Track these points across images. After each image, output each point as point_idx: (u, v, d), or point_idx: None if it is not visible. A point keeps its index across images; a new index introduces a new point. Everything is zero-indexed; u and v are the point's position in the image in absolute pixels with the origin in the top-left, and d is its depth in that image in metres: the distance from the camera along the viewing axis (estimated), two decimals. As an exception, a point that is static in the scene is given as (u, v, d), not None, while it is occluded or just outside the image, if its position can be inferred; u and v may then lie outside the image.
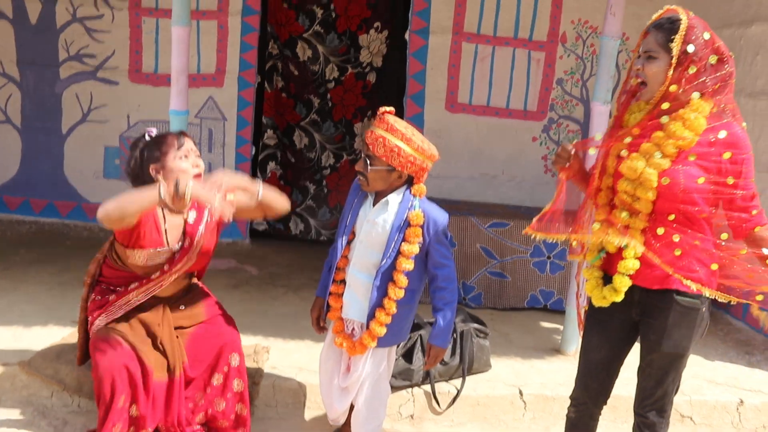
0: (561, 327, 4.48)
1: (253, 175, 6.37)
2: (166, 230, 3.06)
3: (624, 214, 2.45)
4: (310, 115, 6.39)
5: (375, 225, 2.78)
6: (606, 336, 2.61)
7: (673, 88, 2.33)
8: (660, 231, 2.39)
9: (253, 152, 6.30)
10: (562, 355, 4.31)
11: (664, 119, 2.37)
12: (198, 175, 2.97)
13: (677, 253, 2.38)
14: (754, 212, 2.39)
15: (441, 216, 2.83)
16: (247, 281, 5.31)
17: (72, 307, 4.34)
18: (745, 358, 4.48)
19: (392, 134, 2.68)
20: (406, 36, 6.08)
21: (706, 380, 4.10)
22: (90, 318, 3.19)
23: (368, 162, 2.71)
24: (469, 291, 5.11)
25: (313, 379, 3.69)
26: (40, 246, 5.67)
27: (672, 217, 2.39)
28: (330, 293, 2.90)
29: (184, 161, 2.98)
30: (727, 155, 2.34)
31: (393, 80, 6.35)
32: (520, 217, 5.20)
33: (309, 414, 3.62)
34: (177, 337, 3.17)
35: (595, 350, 2.65)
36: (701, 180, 2.33)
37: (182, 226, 3.11)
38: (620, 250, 2.45)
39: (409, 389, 3.71)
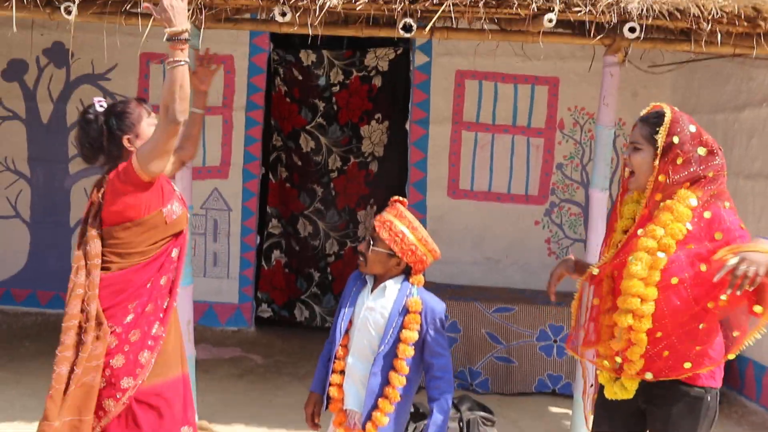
0: (570, 412, 4.40)
1: (258, 263, 6.42)
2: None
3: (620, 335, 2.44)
4: (314, 203, 6.49)
5: (373, 311, 2.80)
6: (615, 425, 2.59)
7: (661, 178, 2.40)
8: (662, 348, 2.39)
9: (258, 241, 6.37)
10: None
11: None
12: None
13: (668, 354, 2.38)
14: None
15: (438, 305, 2.85)
16: (252, 370, 5.27)
17: (75, 401, 4.33)
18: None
19: (399, 220, 2.75)
20: (407, 126, 6.25)
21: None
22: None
23: (371, 243, 2.77)
24: (476, 377, 5.05)
25: (318, 472, 3.63)
26: (45, 338, 5.65)
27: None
28: (330, 384, 2.88)
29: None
30: (718, 235, 2.37)
31: (395, 168, 6.47)
32: (525, 301, 5.20)
33: None
34: None
35: None
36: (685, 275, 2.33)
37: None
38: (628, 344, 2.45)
39: (416, 482, 3.63)
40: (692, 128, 2.42)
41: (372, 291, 2.82)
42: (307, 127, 6.42)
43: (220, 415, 4.32)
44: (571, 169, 6.27)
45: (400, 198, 2.82)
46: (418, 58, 6.18)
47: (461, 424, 3.77)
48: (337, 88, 6.34)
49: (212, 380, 4.93)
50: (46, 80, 6.23)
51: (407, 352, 2.75)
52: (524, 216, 6.28)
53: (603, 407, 2.62)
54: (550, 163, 6.27)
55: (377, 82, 6.34)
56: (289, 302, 6.48)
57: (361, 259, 2.78)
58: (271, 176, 6.44)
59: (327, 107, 6.38)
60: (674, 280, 2.35)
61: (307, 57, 6.26)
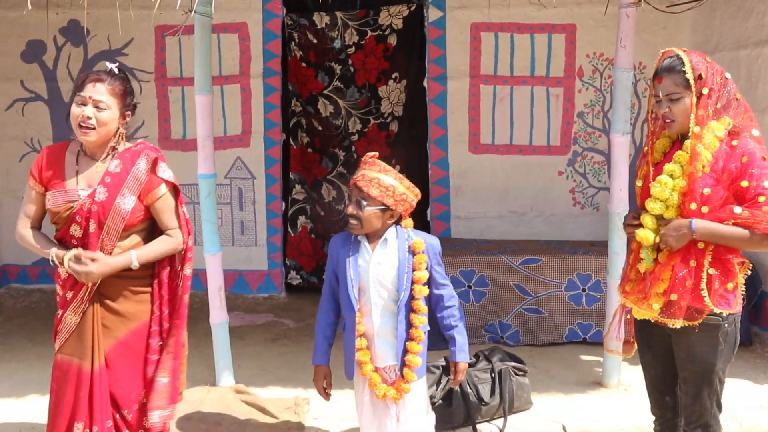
0: (601, 359, 4.43)
1: (285, 229, 6.47)
2: (77, 171, 2.74)
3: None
4: (337, 168, 6.51)
5: (381, 265, 2.85)
6: (654, 352, 2.80)
7: (701, 113, 2.53)
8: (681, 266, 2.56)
9: (283, 208, 6.42)
10: (604, 387, 4.26)
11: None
12: (87, 127, 2.64)
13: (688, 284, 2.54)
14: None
15: (434, 240, 2.97)
16: (285, 334, 5.36)
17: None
18: (793, 379, 4.38)
19: (385, 174, 2.81)
20: (425, 83, 6.21)
21: (757, 406, 4.01)
22: None
23: (361, 204, 2.78)
24: (506, 329, 5.09)
25: (355, 428, 3.71)
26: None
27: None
28: (357, 350, 2.91)
29: (77, 107, 2.67)
30: (744, 159, 2.52)
31: (415, 127, 6.45)
32: (552, 252, 5.19)
33: (352, 463, 3.63)
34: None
35: (651, 367, 2.85)
36: (707, 191, 2.51)
37: (101, 175, 2.73)
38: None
39: (451, 431, 3.69)
40: (706, 60, 2.59)
41: (372, 248, 2.84)
42: (325, 92, 6.40)
43: (255, 379, 4.42)
44: (592, 117, 6.20)
45: (373, 153, 2.89)
46: (432, 14, 6.11)
47: (493, 374, 3.81)
48: (353, 49, 6.30)
49: (246, 346, 5.03)
50: (64, 59, 6.28)
51: (423, 291, 2.86)
52: (547, 167, 6.24)
53: (641, 337, 2.82)
54: (571, 112, 6.21)
55: (392, 40, 6.29)
56: (318, 267, 6.54)
57: (354, 222, 2.81)
58: (292, 142, 6.46)
59: (343, 70, 6.35)
60: (693, 206, 2.52)
61: (321, 19, 6.23)
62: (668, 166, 2.58)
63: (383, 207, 2.80)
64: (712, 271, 2.54)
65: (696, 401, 2.64)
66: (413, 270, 2.85)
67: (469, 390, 3.71)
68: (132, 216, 2.73)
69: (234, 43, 6.20)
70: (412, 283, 2.84)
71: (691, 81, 2.53)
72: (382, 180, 2.79)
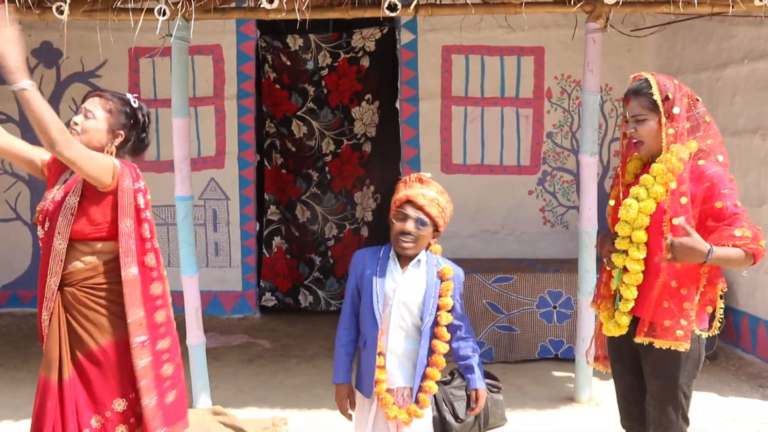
0: (573, 375, 4.52)
1: (260, 250, 6.50)
2: (65, 180, 2.80)
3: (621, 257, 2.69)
4: (311, 188, 6.57)
5: (408, 287, 2.83)
6: (624, 364, 2.85)
7: (671, 131, 2.59)
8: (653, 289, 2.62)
9: (258, 228, 6.45)
10: (576, 403, 4.34)
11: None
12: (73, 132, 2.69)
13: (665, 305, 2.59)
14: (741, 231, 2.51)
15: (460, 270, 2.96)
16: (261, 355, 5.38)
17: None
18: (759, 391, 4.51)
19: (442, 196, 2.82)
20: (397, 104, 6.31)
21: (723, 418, 4.12)
22: None
23: (421, 222, 2.77)
24: (480, 347, 5.14)
25: (333, 446, 3.76)
26: (55, 337, 5.75)
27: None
28: (377, 368, 2.85)
29: (76, 115, 2.79)
30: (714, 180, 2.56)
31: (388, 148, 6.54)
32: (523, 270, 5.30)
33: (331, 482, 3.66)
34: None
35: (620, 377, 2.90)
36: (684, 200, 2.55)
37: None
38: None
39: (428, 449, 3.74)
40: (674, 82, 2.65)
41: (403, 269, 2.84)
42: (299, 113, 6.47)
43: (232, 400, 4.42)
44: (561, 137, 6.35)
45: (428, 174, 2.86)
46: (404, 36, 6.23)
47: (468, 392, 3.87)
48: (326, 71, 6.39)
49: (222, 367, 5.04)
50: (36, 81, 6.15)
51: (448, 318, 2.84)
52: (518, 186, 6.37)
53: (612, 349, 2.89)
54: (540, 132, 6.35)
55: (365, 62, 6.40)
56: (293, 288, 6.57)
57: (410, 241, 2.76)
58: (266, 163, 6.51)
59: (317, 91, 6.44)
60: (675, 221, 2.53)
61: (294, 42, 6.31)
62: (634, 189, 2.65)
63: (434, 228, 2.81)
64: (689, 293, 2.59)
65: (662, 415, 2.69)
66: (440, 296, 2.84)
67: (445, 407, 3.77)
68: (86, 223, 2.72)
69: (208, 64, 6.25)
70: (438, 308, 2.84)
71: (658, 102, 2.59)
72: (440, 201, 2.79)
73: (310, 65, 6.39)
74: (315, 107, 6.46)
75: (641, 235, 2.62)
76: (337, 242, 6.61)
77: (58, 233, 2.68)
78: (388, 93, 6.48)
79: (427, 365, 2.85)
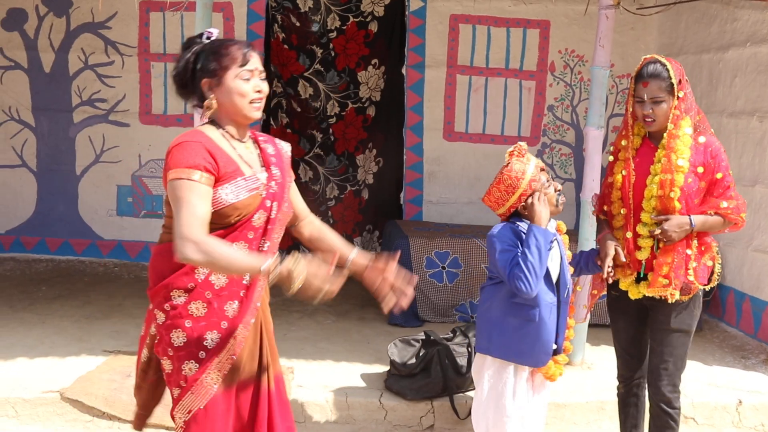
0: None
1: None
2: (240, 156, 2.33)
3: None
4: (314, 149, 6.67)
5: (557, 253, 2.96)
6: (628, 320, 3.17)
7: (677, 112, 2.91)
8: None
9: (261, 186, 6.55)
10: (569, 365, 4.52)
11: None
12: (259, 100, 2.34)
13: (678, 260, 2.94)
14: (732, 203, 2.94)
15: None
16: (263, 308, 5.52)
17: (100, 338, 4.60)
18: (741, 362, 4.73)
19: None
20: (403, 70, 6.41)
21: (706, 383, 4.34)
22: (170, 364, 2.27)
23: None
24: (477, 309, 5.34)
25: (338, 395, 3.93)
26: (59, 283, 5.86)
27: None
28: (565, 339, 3.04)
29: (245, 83, 2.30)
30: (714, 154, 2.94)
31: (392, 113, 6.65)
32: (521, 237, 5.45)
33: (335, 428, 3.84)
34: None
35: (623, 332, 3.23)
36: (690, 180, 2.90)
37: (257, 157, 2.41)
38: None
39: (428, 401, 3.93)
40: (680, 66, 2.95)
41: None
42: (305, 74, 6.55)
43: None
44: (561, 111, 6.49)
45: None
46: (413, 3, 6.30)
47: (469, 348, 4.05)
48: (334, 34, 6.46)
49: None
50: (46, 29, 6.29)
51: (570, 269, 3.07)
52: (517, 157, 6.50)
53: (617, 308, 3.19)
54: (542, 105, 6.48)
55: (373, 27, 6.47)
56: (294, 246, 6.69)
57: (563, 197, 2.93)
58: (272, 122, 6.60)
59: (324, 53, 6.51)
60: (673, 194, 2.89)
61: (304, 3, 6.36)
62: (654, 167, 2.93)
63: None
64: (692, 252, 2.94)
65: (670, 361, 3.02)
66: (566, 250, 3.02)
67: (447, 362, 3.94)
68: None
69: (219, 22, 6.29)
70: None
71: (675, 86, 2.87)
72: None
73: (318, 27, 6.45)
74: (322, 69, 6.54)
75: (675, 206, 2.89)
76: (338, 203, 6.74)
77: (281, 220, 2.40)
78: (395, 59, 6.56)
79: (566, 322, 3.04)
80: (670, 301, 2.94)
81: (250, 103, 2.31)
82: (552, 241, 2.83)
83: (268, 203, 2.32)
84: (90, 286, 5.81)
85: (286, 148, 2.56)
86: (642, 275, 3.02)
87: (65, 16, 6.27)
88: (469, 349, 4.05)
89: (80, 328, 4.76)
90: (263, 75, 2.36)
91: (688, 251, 2.94)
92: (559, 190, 2.92)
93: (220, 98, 2.28)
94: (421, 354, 3.99)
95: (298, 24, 6.43)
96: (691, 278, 2.93)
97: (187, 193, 2.14)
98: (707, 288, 3.01)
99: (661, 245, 2.94)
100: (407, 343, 4.08)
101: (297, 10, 6.39)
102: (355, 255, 2.52)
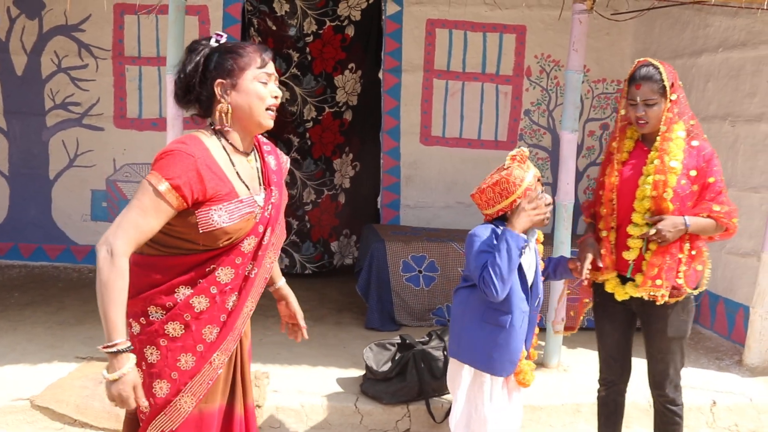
0: (543, 342, 4.72)
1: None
2: (238, 174, 2.19)
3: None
4: (291, 153, 6.64)
5: (533, 261, 2.96)
6: (614, 323, 3.20)
7: (669, 115, 2.93)
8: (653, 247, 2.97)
9: (237, 191, 6.50)
10: (545, 368, 4.55)
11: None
12: (275, 107, 2.21)
13: (670, 265, 2.94)
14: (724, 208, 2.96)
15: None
16: (239, 314, 5.48)
17: (73, 344, 4.54)
18: (716, 363, 4.78)
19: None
20: (380, 75, 6.41)
21: (688, 385, 4.36)
22: (140, 377, 2.11)
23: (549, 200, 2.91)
24: (453, 313, 5.34)
25: (313, 399, 3.91)
26: (33, 289, 5.78)
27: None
28: (532, 346, 3.03)
29: (264, 87, 2.18)
30: (707, 158, 2.97)
31: (369, 117, 6.64)
32: (498, 241, 5.47)
33: (311, 434, 3.82)
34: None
35: (608, 336, 3.24)
36: (683, 182, 2.92)
37: (257, 173, 2.28)
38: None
39: (404, 405, 3.92)
40: (673, 69, 2.96)
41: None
42: (282, 78, 6.52)
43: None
44: (538, 115, 6.52)
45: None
46: (390, 8, 6.31)
47: (445, 352, 4.05)
48: (311, 38, 6.44)
49: (202, 322, 5.13)
50: (18, 32, 6.20)
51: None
52: (494, 161, 6.45)
53: (603, 311, 3.20)
54: (518, 109, 6.52)
55: (350, 31, 6.47)
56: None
57: (548, 218, 2.86)
58: (248, 126, 6.55)
59: (301, 57, 6.48)
60: (667, 195, 2.90)
61: (281, 7, 6.34)
62: (649, 167, 2.94)
63: None
64: (684, 255, 2.96)
65: (670, 366, 3.09)
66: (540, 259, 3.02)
67: (422, 366, 3.94)
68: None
69: (194, 26, 6.25)
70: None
71: (668, 88, 2.90)
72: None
73: (295, 31, 6.44)
74: (299, 73, 6.52)
75: (668, 207, 2.90)
76: (315, 207, 6.71)
77: (273, 245, 2.29)
78: (372, 63, 6.56)
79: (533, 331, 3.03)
80: (658, 303, 2.94)
81: (267, 109, 2.19)
82: (523, 247, 2.79)
83: (260, 228, 2.21)
84: (64, 291, 5.73)
85: (286, 160, 2.46)
86: (628, 276, 3.03)
87: (38, 18, 6.19)
88: (445, 353, 4.04)
89: (53, 335, 4.69)
90: (278, 78, 2.26)
91: (680, 255, 2.95)
92: (549, 204, 2.84)
93: (235, 102, 2.14)
94: (396, 358, 3.98)
95: (274, 28, 6.40)
96: (681, 281, 2.94)
97: (146, 200, 2.03)
98: (695, 293, 3.03)
99: (650, 246, 2.95)
100: (383, 347, 4.07)
101: (273, 14, 6.36)
102: (281, 285, 2.62)
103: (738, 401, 4.18)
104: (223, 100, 2.15)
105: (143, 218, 2.02)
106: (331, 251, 6.78)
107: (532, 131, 6.52)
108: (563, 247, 4.35)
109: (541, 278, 3.03)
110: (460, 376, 2.97)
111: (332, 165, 6.70)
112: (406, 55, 6.37)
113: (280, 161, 2.39)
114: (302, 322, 2.67)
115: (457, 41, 6.41)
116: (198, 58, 2.17)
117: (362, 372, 4.13)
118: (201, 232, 2.10)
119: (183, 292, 2.14)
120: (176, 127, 4.14)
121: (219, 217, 2.10)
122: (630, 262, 3.01)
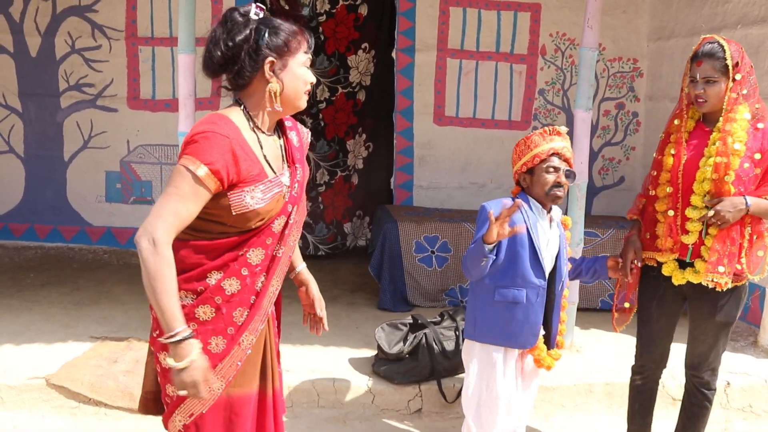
0: (555, 323, 4.71)
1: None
2: (265, 156, 2.15)
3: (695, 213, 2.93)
4: (304, 134, 6.62)
5: (554, 239, 2.95)
6: (663, 308, 3.10)
7: (733, 95, 2.84)
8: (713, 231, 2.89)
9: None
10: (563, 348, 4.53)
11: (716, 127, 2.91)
12: (309, 92, 2.22)
13: (732, 250, 2.88)
14: None
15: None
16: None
17: (87, 324, 4.58)
18: (731, 344, 4.72)
19: (570, 149, 2.95)
20: (393, 54, 6.36)
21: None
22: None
23: (572, 175, 2.88)
24: (466, 294, 5.33)
25: (325, 379, 3.92)
26: (48, 270, 5.84)
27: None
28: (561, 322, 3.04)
29: (307, 71, 2.20)
30: (767, 142, 2.86)
31: (382, 97, 6.61)
32: (511, 221, 5.44)
33: (322, 412, 3.83)
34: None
35: (654, 320, 3.13)
36: (746, 165, 2.84)
37: (281, 151, 2.24)
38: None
39: (416, 385, 3.92)
40: (741, 49, 2.86)
41: (549, 220, 2.94)
42: (295, 58, 6.48)
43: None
44: (552, 95, 6.45)
45: (561, 127, 2.93)
46: (403, -14, 6.25)
47: (457, 332, 4.04)
48: (324, 17, 6.40)
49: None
50: (32, 13, 6.22)
51: (569, 266, 3.04)
52: (508, 141, 6.47)
53: (652, 295, 3.11)
54: (533, 88, 6.45)
55: (363, 10, 6.42)
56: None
57: (561, 192, 2.85)
58: (261, 107, 6.54)
59: (314, 37, 6.43)
60: (728, 178, 2.82)
61: (293, -14, 6.31)
62: (709, 149, 2.87)
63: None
64: (745, 240, 2.89)
65: (712, 350, 3.04)
66: (567, 245, 3.02)
67: (435, 345, 3.94)
68: None
69: (207, 5, 6.23)
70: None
71: (730, 67, 2.79)
72: (572, 152, 2.92)
73: (307, 11, 6.39)
74: (311, 53, 6.47)
75: (730, 190, 2.82)
76: (328, 188, 6.70)
77: (297, 222, 2.25)
78: (385, 43, 6.51)
79: (560, 311, 3.03)
80: (720, 290, 2.87)
81: (305, 93, 2.20)
82: (485, 257, 2.71)
83: (289, 207, 2.19)
84: (79, 272, 5.78)
85: (307, 134, 2.40)
86: (688, 261, 2.96)
87: (51, -1, 6.21)
88: (457, 333, 4.04)
89: (68, 315, 4.74)
90: None
91: (741, 240, 2.87)
92: (558, 182, 2.82)
93: (285, 83, 2.11)
94: (408, 338, 3.98)
95: (287, 7, 6.35)
96: (742, 267, 2.87)
97: (185, 186, 1.97)
98: (756, 279, 2.97)
99: (710, 231, 2.88)
100: (395, 327, 4.08)
101: (286, -7, 6.33)
102: (301, 269, 2.56)
103: (752, 382, 4.15)
104: (273, 80, 2.10)
105: (182, 204, 1.97)
106: (344, 232, 6.78)
107: (547, 111, 6.46)
108: (576, 227, 4.30)
109: (566, 263, 3.01)
110: (474, 354, 2.99)
111: (345, 146, 6.68)
112: (420, 34, 6.31)
113: (301, 137, 2.35)
114: (321, 312, 2.57)
115: (471, 20, 6.34)
116: (247, 31, 2.09)
117: (374, 352, 4.13)
118: (234, 214, 2.06)
119: (215, 277, 2.11)
120: (188, 107, 4.14)
121: (252, 199, 2.06)
122: (689, 246, 2.93)
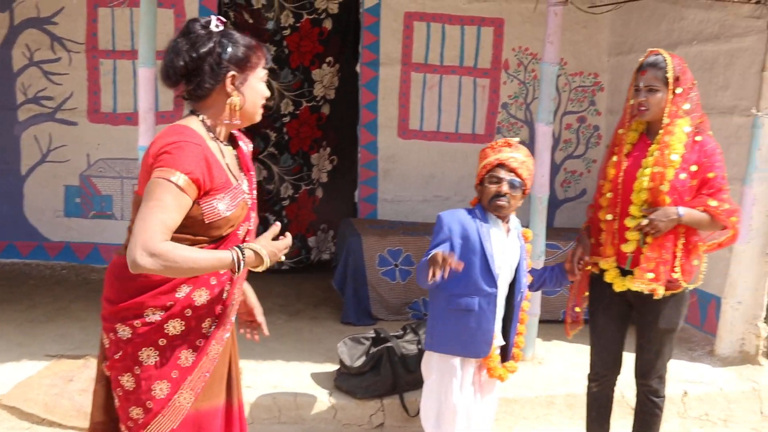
0: (518, 335, 4.72)
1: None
2: (227, 165, 2.19)
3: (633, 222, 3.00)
4: (268, 148, 6.59)
5: (511, 249, 2.95)
6: (610, 316, 3.19)
7: (673, 108, 2.95)
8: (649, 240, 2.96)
9: (213, 185, 6.45)
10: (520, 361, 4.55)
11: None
12: (263, 106, 2.25)
13: (666, 257, 2.95)
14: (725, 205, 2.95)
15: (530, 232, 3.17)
16: (214, 310, 5.44)
17: (43, 342, 4.48)
18: (688, 353, 4.80)
19: (529, 159, 2.96)
20: (358, 68, 6.37)
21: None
22: (134, 382, 2.10)
23: (515, 185, 2.86)
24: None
25: (287, 394, 3.88)
26: (2, 286, 5.70)
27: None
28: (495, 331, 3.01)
29: (265, 86, 2.23)
30: (710, 153, 2.97)
31: (346, 111, 6.60)
32: (474, 234, 5.46)
33: (283, 428, 3.79)
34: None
35: (604, 329, 3.23)
36: (683, 176, 2.92)
37: (236, 160, 2.27)
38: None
39: (378, 399, 3.90)
40: (684, 64, 2.98)
41: (506, 232, 2.95)
42: (258, 71, 6.46)
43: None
44: (515, 108, 6.52)
45: (512, 138, 2.98)
46: (367, 1, 6.27)
47: (419, 346, 4.03)
48: (288, 31, 6.40)
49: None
50: (-12, 24, 6.12)
51: (529, 277, 3.05)
52: (472, 154, 6.48)
53: (599, 303, 3.19)
54: (496, 102, 6.50)
55: (327, 24, 6.43)
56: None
57: (504, 203, 2.84)
58: (224, 121, 6.49)
59: (278, 51, 6.43)
60: (663, 187, 2.90)
61: (258, 0, 6.29)
62: (649, 159, 2.95)
63: (524, 190, 2.91)
64: (680, 250, 2.96)
65: (658, 357, 3.12)
66: (527, 257, 3.02)
67: (396, 360, 3.92)
68: None
69: (169, 18, 6.18)
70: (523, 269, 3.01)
71: (670, 79, 2.91)
72: (528, 164, 2.91)
73: (272, 25, 6.38)
74: (275, 67, 6.46)
75: (665, 200, 2.90)
76: (293, 202, 6.67)
77: (253, 228, 2.31)
78: (349, 56, 6.52)
79: (518, 322, 3.04)
80: (655, 298, 2.95)
81: (261, 107, 2.24)
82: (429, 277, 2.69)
83: (252, 214, 2.25)
84: (35, 289, 5.66)
85: (250, 144, 2.44)
86: (627, 269, 3.04)
87: (9, 10, 6.10)
88: (419, 347, 4.03)
89: (22, 333, 4.62)
90: None
91: (675, 248, 2.95)
92: (499, 192, 2.86)
93: (245, 97, 2.14)
94: (370, 352, 3.96)
95: (251, 21, 6.35)
96: (677, 275, 2.96)
97: (168, 198, 1.95)
98: (691, 287, 3.05)
99: (647, 240, 2.94)
100: (357, 342, 4.05)
101: (250, 7, 6.31)
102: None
103: (709, 391, 4.21)
104: (234, 94, 2.13)
105: (167, 214, 1.95)
106: (309, 246, 6.75)
107: (510, 124, 6.52)
108: (537, 239, 4.34)
109: (526, 275, 3.03)
110: (432, 365, 3.00)
111: (310, 160, 6.66)
112: (384, 48, 6.33)
113: (248, 146, 2.39)
114: (260, 318, 2.56)
115: (435, 34, 6.39)
116: (211, 44, 2.09)
117: (337, 367, 4.10)
118: (206, 222, 2.06)
119: (184, 290, 2.10)
120: (149, 121, 4.10)
121: (223, 206, 2.08)
122: (628, 254, 3.01)
